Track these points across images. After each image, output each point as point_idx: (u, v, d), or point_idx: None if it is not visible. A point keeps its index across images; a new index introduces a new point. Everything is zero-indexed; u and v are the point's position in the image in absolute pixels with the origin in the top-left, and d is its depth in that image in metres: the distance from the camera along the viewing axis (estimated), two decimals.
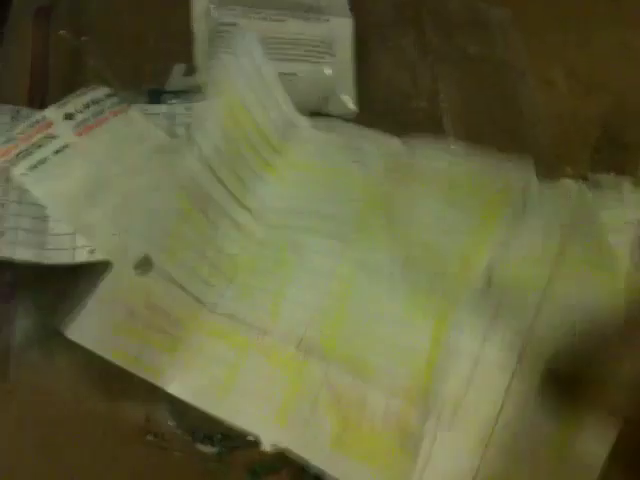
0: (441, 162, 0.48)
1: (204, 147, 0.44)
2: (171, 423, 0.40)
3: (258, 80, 0.48)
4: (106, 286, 0.40)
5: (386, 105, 0.56)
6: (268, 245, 0.45)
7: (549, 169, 0.52)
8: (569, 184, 0.50)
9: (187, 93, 0.50)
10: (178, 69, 0.53)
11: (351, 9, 0.58)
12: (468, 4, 0.62)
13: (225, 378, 0.40)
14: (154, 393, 0.40)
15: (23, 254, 0.41)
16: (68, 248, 0.42)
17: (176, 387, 0.40)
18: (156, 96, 0.50)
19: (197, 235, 0.43)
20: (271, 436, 0.39)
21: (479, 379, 0.40)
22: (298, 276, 0.43)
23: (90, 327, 0.39)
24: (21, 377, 0.41)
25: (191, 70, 0.53)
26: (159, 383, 0.40)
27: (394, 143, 0.50)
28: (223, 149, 0.45)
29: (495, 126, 0.56)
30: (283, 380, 0.40)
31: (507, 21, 0.62)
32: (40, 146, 0.45)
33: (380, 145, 0.49)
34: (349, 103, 0.54)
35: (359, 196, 0.47)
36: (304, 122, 0.51)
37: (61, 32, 0.52)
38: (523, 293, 0.42)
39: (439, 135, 0.53)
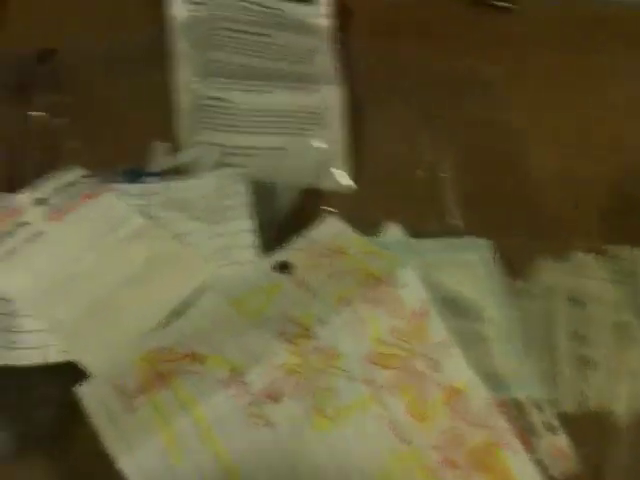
0: None
1: None
2: None
3: None
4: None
5: (386, 177, 0.55)
6: None
7: (560, 242, 0.51)
8: (583, 259, 0.49)
9: (167, 173, 0.50)
10: (160, 148, 0.52)
11: (347, 77, 0.58)
12: (468, 65, 0.62)
13: None
14: None
15: None
16: (39, 347, 0.41)
17: None
18: (134, 176, 0.49)
19: None
20: None
21: None
22: None
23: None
24: None
25: (173, 148, 0.52)
26: None
27: None
28: None
29: (498, 193, 0.55)
30: None
31: (507, 80, 0.62)
32: (10, 233, 0.44)
33: None
34: (343, 178, 0.53)
35: None
36: None
37: (37, 114, 0.52)
38: None
39: (438, 205, 0.53)
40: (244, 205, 0.46)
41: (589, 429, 0.44)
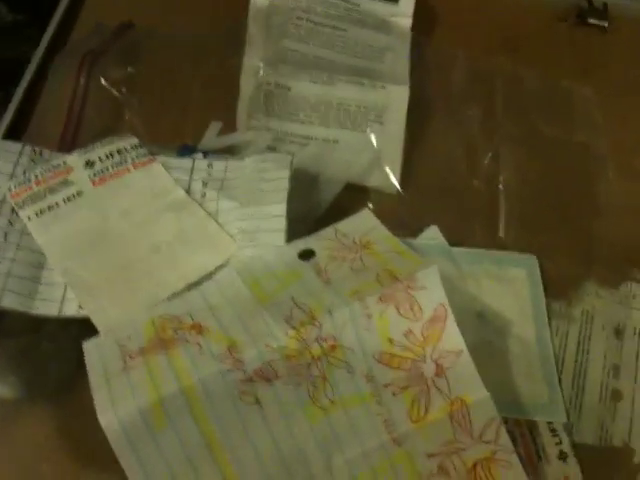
0: None
1: None
2: None
3: None
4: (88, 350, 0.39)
5: (436, 183, 0.54)
6: None
7: (613, 270, 0.47)
8: (634, 290, 0.46)
9: (219, 153, 0.50)
10: (214, 127, 0.53)
11: (417, 79, 0.56)
12: (548, 82, 0.59)
13: None
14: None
15: (11, 302, 0.41)
16: (57, 300, 0.42)
17: None
18: (186, 152, 0.50)
19: None
20: None
21: None
22: None
23: None
24: None
25: (228, 129, 0.53)
26: None
27: None
28: None
29: (557, 214, 0.52)
30: None
31: (590, 103, 0.59)
32: (53, 191, 0.46)
33: None
34: (392, 179, 0.52)
35: None
36: None
37: (102, 81, 0.54)
38: None
39: (487, 217, 0.51)
40: (282, 190, 0.46)
41: (605, 464, 0.41)
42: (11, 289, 0.42)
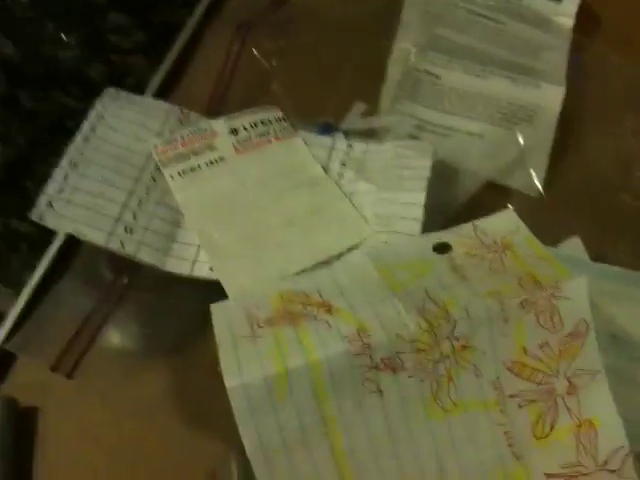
0: None
1: None
2: None
3: None
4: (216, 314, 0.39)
5: (582, 192, 0.51)
6: None
7: None
8: None
9: (359, 134, 0.50)
10: (357, 108, 0.52)
11: (572, 81, 0.54)
12: None
13: None
14: (228, 446, 0.39)
15: (146, 255, 0.42)
16: (190, 260, 0.43)
17: None
18: (327, 130, 0.50)
19: None
20: None
21: None
22: None
23: None
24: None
25: (371, 111, 0.52)
26: None
27: None
28: None
29: None
30: None
31: None
32: (197, 154, 0.47)
33: None
34: (535, 181, 0.50)
35: None
36: None
37: (254, 51, 0.54)
38: None
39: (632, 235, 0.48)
40: (423, 179, 0.45)
41: None
42: (148, 243, 0.43)
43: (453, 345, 0.36)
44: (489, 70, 0.54)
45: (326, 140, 0.49)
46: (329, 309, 0.38)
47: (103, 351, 0.43)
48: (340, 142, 0.49)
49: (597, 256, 0.46)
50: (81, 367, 0.42)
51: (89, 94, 0.48)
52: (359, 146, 0.48)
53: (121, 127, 0.47)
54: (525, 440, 0.36)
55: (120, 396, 0.42)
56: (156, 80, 0.54)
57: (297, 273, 0.42)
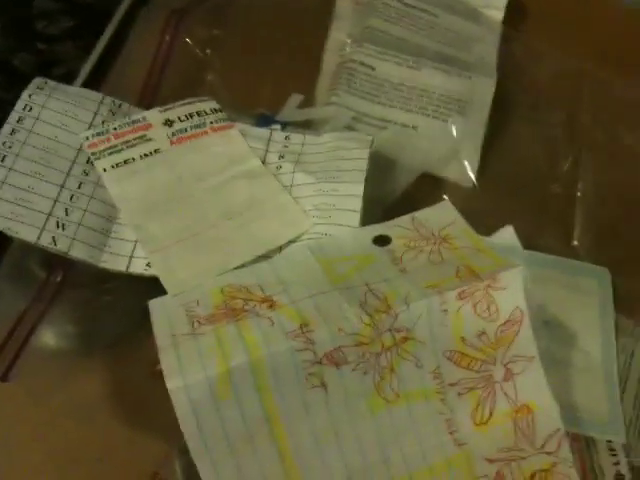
0: None
1: None
2: None
3: None
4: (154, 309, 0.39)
5: (513, 182, 0.52)
6: None
7: None
8: None
9: (296, 126, 0.50)
10: (294, 99, 0.52)
11: (502, 72, 0.55)
12: (637, 91, 0.57)
13: None
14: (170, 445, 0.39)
15: (79, 252, 0.41)
16: (126, 255, 0.42)
17: None
18: (264, 122, 0.50)
19: None
20: None
21: None
22: None
23: None
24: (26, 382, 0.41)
25: (308, 102, 0.52)
26: None
27: None
28: None
29: (634, 229, 0.51)
30: None
31: None
32: (131, 146, 0.46)
33: None
34: (468, 172, 0.51)
35: None
36: None
37: (187, 40, 0.53)
38: None
39: (562, 224, 0.50)
40: (361, 171, 0.45)
41: None
42: (81, 239, 0.42)
43: (394, 337, 0.37)
44: (422, 62, 0.54)
45: (263, 132, 0.48)
46: (271, 305, 0.38)
47: (38, 352, 0.42)
48: (277, 134, 0.48)
49: (528, 244, 0.48)
50: (15, 369, 0.41)
51: (15, 84, 0.46)
52: (296, 137, 0.48)
53: (50, 118, 0.45)
54: (465, 427, 0.37)
55: (57, 397, 0.41)
56: (86, 69, 0.52)
57: (237, 267, 0.41)
